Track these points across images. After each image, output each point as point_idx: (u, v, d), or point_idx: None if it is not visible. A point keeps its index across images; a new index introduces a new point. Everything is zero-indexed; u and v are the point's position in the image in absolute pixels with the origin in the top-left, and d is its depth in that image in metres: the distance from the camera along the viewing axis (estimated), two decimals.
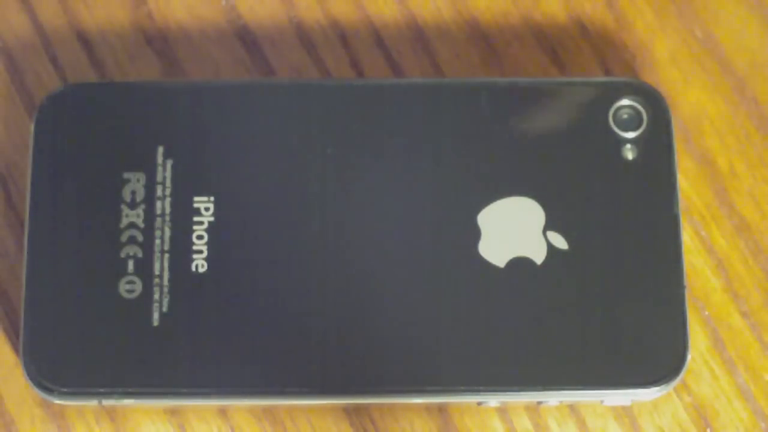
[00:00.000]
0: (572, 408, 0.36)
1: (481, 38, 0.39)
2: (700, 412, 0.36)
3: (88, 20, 0.39)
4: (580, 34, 0.39)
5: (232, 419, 0.36)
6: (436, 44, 0.39)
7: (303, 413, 0.36)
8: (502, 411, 0.36)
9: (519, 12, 0.39)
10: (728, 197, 0.38)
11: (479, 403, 0.35)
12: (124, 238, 0.35)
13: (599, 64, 0.39)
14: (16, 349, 0.36)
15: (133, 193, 0.35)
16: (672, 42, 0.39)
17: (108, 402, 0.34)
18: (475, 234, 0.35)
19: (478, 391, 0.34)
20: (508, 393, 0.34)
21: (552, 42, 0.39)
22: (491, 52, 0.39)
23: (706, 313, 0.37)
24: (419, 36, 0.39)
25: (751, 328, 0.37)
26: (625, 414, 0.36)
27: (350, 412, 0.36)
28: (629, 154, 0.36)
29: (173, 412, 0.36)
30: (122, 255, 0.35)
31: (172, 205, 0.35)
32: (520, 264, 0.35)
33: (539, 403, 0.35)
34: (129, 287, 0.35)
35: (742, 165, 0.38)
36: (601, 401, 0.35)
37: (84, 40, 0.39)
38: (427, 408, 0.36)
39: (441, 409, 0.36)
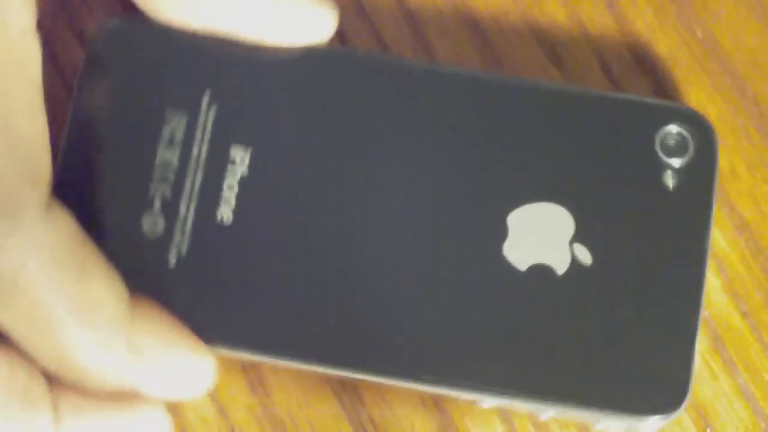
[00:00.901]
0: None
1: (481, 37, 0.39)
2: (700, 412, 0.36)
3: None
4: (580, 34, 0.39)
5: (232, 419, 0.36)
6: (436, 43, 0.39)
7: (303, 414, 0.36)
8: (503, 412, 0.36)
9: (519, 11, 0.39)
10: (728, 197, 0.38)
11: (474, 402, 0.35)
12: (155, 175, 0.35)
13: (599, 64, 0.39)
14: None
15: (173, 132, 0.35)
16: (672, 42, 0.39)
17: None
18: (503, 233, 0.35)
19: (472, 388, 0.34)
20: (502, 396, 0.34)
21: (552, 42, 0.39)
22: (491, 51, 0.39)
23: (706, 313, 0.37)
24: (418, 35, 0.39)
25: (751, 328, 0.37)
26: None
27: (350, 413, 0.36)
28: (669, 180, 0.35)
29: (173, 412, 0.36)
30: (151, 191, 0.35)
31: (209, 151, 0.35)
32: (540, 271, 0.35)
33: (532, 413, 0.35)
34: (152, 224, 0.34)
35: (742, 165, 0.38)
36: (594, 423, 0.35)
37: None
38: (428, 408, 0.36)
39: (441, 409, 0.36)
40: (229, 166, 0.35)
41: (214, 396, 0.36)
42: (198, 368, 0.33)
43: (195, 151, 0.35)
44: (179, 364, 0.33)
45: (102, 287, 0.32)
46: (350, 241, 0.35)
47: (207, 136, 0.35)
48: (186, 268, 0.34)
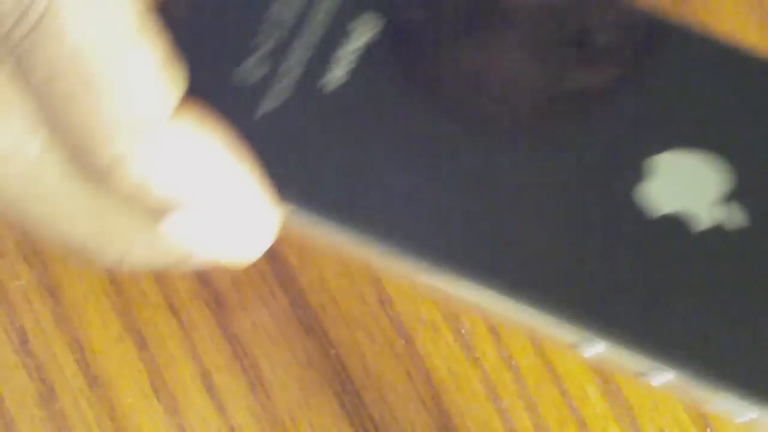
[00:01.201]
0: (571, 407, 0.36)
1: None
2: (700, 412, 0.36)
3: None
4: None
5: (232, 419, 0.36)
6: None
7: (303, 414, 0.36)
8: (502, 411, 0.36)
9: None
10: None
11: (576, 345, 0.32)
12: (269, 26, 0.33)
13: None
14: (15, 350, 0.36)
15: None
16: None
17: None
18: (644, 174, 0.32)
19: (582, 324, 0.31)
20: (613, 341, 0.31)
21: None
22: None
23: None
24: None
25: None
26: (625, 414, 0.36)
27: (351, 413, 0.36)
28: None
29: (173, 412, 0.36)
30: (258, 40, 0.33)
31: (336, 15, 0.33)
32: (674, 222, 0.32)
33: (643, 374, 0.32)
34: (248, 72, 0.33)
35: None
36: (713, 402, 0.33)
37: None
38: (428, 408, 0.36)
39: (441, 410, 0.36)
40: (348, 36, 0.33)
41: (214, 396, 0.37)
42: (250, 211, 0.31)
43: (320, 12, 0.33)
44: (221, 189, 0.30)
45: (143, 64, 0.29)
46: (463, 150, 0.32)
47: (337, 1, 0.33)
48: (269, 124, 0.32)
